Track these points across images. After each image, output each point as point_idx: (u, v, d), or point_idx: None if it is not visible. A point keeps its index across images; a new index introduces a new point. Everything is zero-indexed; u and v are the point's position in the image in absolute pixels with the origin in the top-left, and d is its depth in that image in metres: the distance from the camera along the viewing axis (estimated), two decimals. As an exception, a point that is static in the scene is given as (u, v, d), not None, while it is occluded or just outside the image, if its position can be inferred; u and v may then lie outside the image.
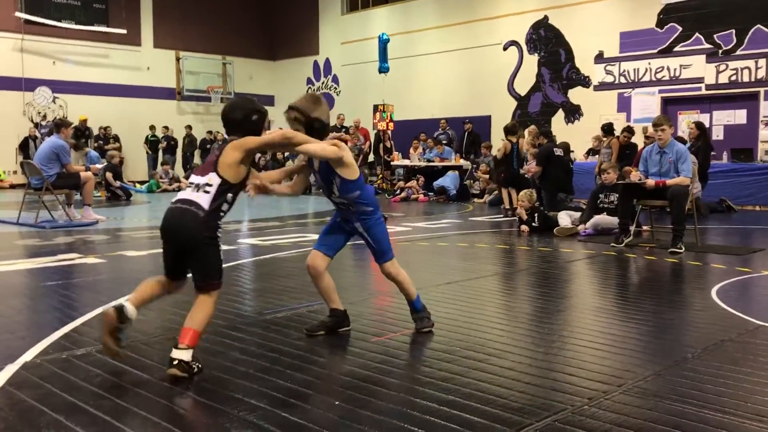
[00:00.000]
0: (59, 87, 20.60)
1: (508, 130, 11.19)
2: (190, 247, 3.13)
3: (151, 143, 21.46)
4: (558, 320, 4.29)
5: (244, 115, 3.27)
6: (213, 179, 3.14)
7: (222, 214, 3.18)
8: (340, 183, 3.56)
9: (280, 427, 2.49)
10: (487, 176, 14.75)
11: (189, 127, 21.67)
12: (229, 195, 3.19)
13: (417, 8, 20.52)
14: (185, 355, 3.01)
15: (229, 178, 3.16)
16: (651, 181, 7.21)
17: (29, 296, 5.01)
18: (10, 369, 3.13)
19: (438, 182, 15.18)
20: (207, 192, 3.13)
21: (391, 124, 17.46)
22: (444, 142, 16.87)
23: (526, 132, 12.07)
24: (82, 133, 18.74)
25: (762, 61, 14.19)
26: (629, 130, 12.51)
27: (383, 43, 17.39)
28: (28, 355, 3.35)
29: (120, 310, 3.08)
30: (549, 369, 3.21)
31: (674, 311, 4.52)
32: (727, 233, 9.06)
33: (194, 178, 3.21)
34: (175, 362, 2.99)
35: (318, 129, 3.53)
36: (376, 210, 3.71)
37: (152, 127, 21.40)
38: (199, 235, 3.10)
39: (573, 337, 3.80)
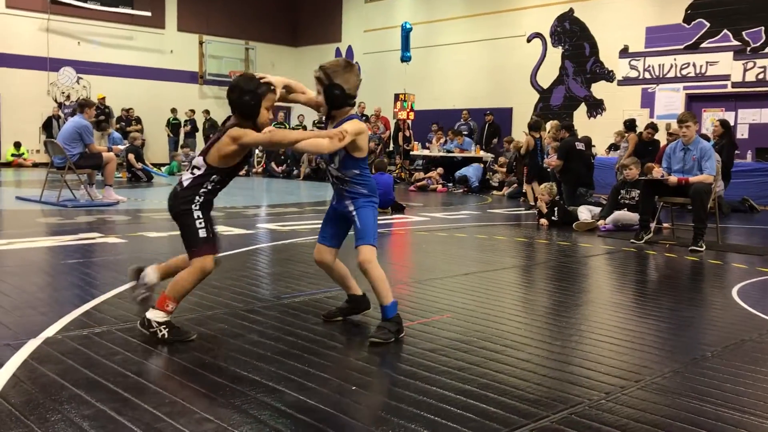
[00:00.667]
0: (83, 67, 20.79)
1: (531, 126, 11.35)
2: (174, 218, 3.40)
3: (173, 126, 21.59)
4: (576, 314, 4.27)
5: (238, 95, 3.28)
6: (200, 163, 3.36)
7: (203, 190, 3.34)
8: (344, 156, 3.43)
9: (296, 410, 2.50)
10: (505, 169, 14.70)
11: (207, 112, 21.78)
12: (214, 176, 3.35)
13: (441, -2, 20.42)
14: (151, 314, 3.30)
15: (215, 165, 3.32)
16: (673, 178, 7.14)
17: (50, 273, 5.07)
18: (33, 344, 3.18)
19: (461, 171, 15.08)
20: (193, 174, 3.36)
21: (411, 114, 17.42)
22: (465, 133, 16.81)
23: (548, 125, 12.02)
24: (101, 111, 18.88)
25: (791, 60, 14.00)
26: (653, 127, 12.39)
27: (406, 32, 17.33)
28: (50, 331, 3.39)
29: (137, 270, 3.53)
30: (566, 362, 3.20)
31: (694, 309, 4.48)
32: (749, 233, 8.96)
33: (195, 159, 3.42)
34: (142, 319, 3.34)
35: (337, 96, 3.38)
36: (371, 195, 3.54)
37: (174, 110, 21.52)
38: (175, 206, 3.35)
39: (590, 331, 3.78)
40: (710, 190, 7.09)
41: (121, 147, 13.44)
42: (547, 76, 17.97)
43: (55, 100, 20.35)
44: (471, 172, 14.97)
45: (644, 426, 2.46)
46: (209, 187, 3.34)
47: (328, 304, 4.09)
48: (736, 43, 14.68)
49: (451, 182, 15.49)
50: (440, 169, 15.77)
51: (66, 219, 7.96)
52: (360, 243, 3.45)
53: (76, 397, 2.56)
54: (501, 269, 5.75)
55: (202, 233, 3.31)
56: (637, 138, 12.31)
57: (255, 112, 3.28)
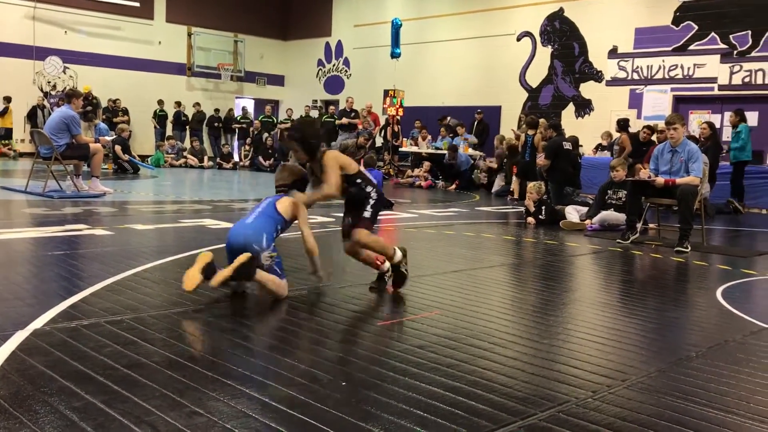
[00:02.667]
0: (70, 57, 20.57)
1: (527, 123, 11.61)
2: None
3: (159, 118, 21.46)
4: (562, 313, 4.30)
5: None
6: None
7: None
8: None
9: (286, 405, 2.51)
10: (495, 166, 14.76)
11: (198, 104, 21.73)
12: None
13: (432, -6, 20.41)
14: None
15: None
16: (660, 179, 7.20)
17: (37, 264, 5.03)
18: (21, 335, 3.16)
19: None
20: None
21: (401, 110, 17.43)
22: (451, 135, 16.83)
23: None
24: (89, 102, 18.72)
25: (777, 64, 14.13)
26: (650, 128, 12.35)
27: (396, 28, 17.32)
28: (38, 323, 3.37)
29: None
30: (553, 361, 3.23)
31: (679, 310, 4.54)
32: (734, 235, 9.06)
33: None
34: None
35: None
36: None
37: (161, 102, 21.38)
38: None
39: (577, 330, 3.82)
40: (696, 192, 7.16)
41: (109, 138, 13.34)
42: (536, 75, 18.03)
43: (41, 90, 20.13)
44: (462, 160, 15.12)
45: (630, 425, 2.49)
46: None
47: (318, 300, 4.09)
48: (723, 46, 14.81)
49: (440, 178, 15.53)
50: (427, 164, 15.80)
51: (52, 210, 7.90)
52: None
53: (65, 390, 2.55)
54: (489, 267, 5.78)
55: None
56: (629, 138, 12.33)
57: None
